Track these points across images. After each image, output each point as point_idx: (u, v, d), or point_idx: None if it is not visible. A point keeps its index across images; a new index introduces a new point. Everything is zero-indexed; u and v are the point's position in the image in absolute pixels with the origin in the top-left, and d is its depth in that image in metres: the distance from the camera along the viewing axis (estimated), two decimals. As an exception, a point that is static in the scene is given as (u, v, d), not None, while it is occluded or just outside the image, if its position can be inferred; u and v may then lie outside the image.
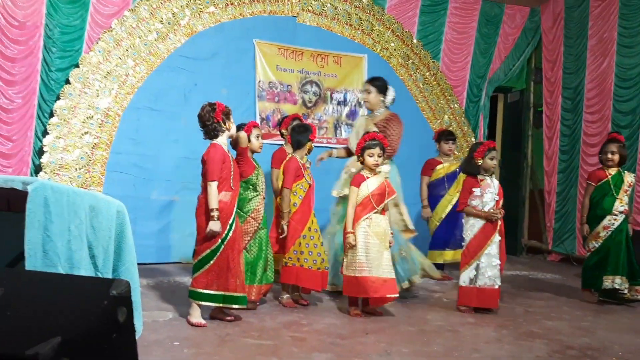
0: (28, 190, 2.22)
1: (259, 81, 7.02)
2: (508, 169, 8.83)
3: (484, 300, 4.69)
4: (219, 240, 3.96)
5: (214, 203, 3.92)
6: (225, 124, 4.10)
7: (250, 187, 4.59)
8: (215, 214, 3.90)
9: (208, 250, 3.98)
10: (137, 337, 2.16)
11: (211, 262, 3.97)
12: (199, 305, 4.01)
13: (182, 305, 4.13)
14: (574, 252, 7.53)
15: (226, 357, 3.32)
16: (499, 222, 4.76)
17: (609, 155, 5.29)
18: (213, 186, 3.94)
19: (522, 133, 8.93)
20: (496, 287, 4.69)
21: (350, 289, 4.51)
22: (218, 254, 3.96)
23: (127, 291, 1.71)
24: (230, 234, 4.01)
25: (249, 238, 4.51)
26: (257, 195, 4.63)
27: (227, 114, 4.11)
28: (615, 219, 5.22)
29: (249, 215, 4.54)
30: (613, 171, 5.32)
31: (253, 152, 4.68)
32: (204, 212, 4.01)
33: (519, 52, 8.54)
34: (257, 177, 4.64)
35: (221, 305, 4.02)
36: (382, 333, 4.05)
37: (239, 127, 4.61)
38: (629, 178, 5.30)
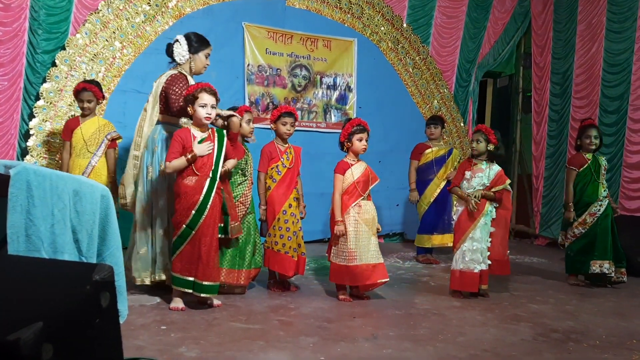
0: (10, 174, 2.19)
1: (248, 64, 6.97)
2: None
3: (464, 284, 4.68)
4: (184, 226, 3.94)
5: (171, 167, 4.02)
6: (187, 107, 4.10)
7: (240, 171, 4.58)
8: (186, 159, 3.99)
9: (175, 237, 4.00)
10: (122, 322, 2.16)
11: (181, 247, 3.97)
12: (178, 290, 4.02)
13: (170, 291, 4.13)
14: (560, 236, 7.59)
15: (213, 341, 3.33)
16: (488, 207, 4.69)
17: (592, 140, 5.33)
18: (168, 164, 3.99)
19: (510, 118, 8.97)
20: (476, 271, 4.63)
21: (339, 277, 4.51)
22: (188, 239, 3.95)
23: (110, 276, 1.69)
24: (201, 220, 3.94)
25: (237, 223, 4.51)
26: (246, 180, 4.62)
27: (191, 98, 4.06)
28: (601, 205, 5.27)
29: (237, 200, 4.53)
30: (590, 156, 5.36)
31: (243, 137, 4.65)
32: (175, 195, 4.05)
33: (509, 37, 8.56)
34: (247, 162, 4.64)
35: (190, 291, 4.00)
36: (369, 317, 4.08)
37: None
38: (603, 162, 5.38)
